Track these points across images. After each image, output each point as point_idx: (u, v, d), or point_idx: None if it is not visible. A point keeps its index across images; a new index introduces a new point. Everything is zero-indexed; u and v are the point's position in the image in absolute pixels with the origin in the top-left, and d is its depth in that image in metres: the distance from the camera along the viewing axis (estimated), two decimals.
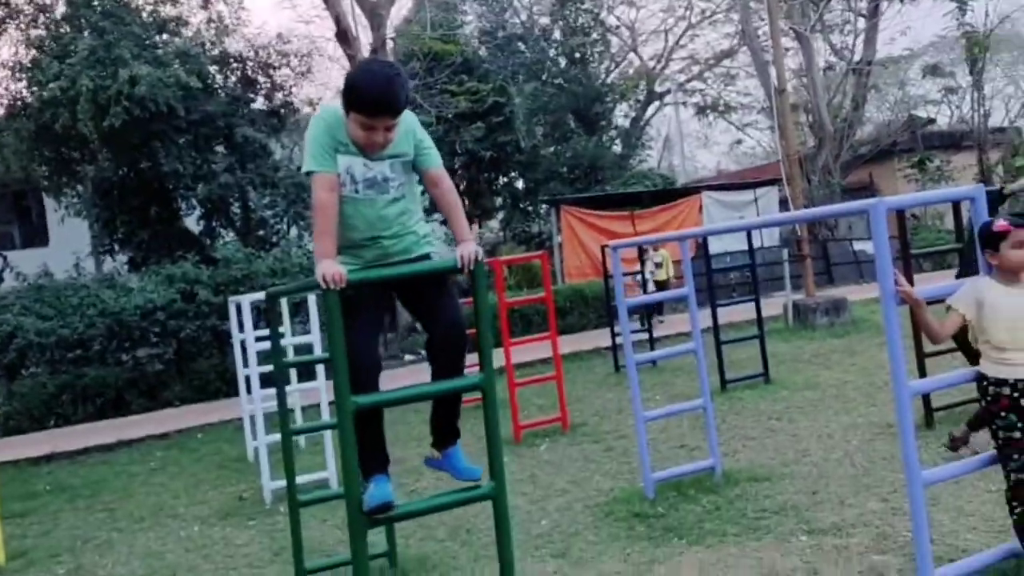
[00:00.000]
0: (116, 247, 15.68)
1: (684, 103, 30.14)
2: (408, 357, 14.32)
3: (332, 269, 2.51)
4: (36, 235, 22.70)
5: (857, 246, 20.32)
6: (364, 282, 2.63)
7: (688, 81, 29.25)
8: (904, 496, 4.22)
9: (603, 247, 10.53)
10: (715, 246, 16.79)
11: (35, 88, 13.66)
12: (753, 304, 8.29)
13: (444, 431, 2.94)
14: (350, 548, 2.60)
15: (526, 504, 4.98)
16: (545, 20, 25.92)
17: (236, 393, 9.11)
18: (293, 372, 7.24)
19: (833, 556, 3.63)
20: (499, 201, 24.03)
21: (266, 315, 4.17)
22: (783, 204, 19.61)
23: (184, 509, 6.19)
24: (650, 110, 29.42)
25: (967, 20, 22.38)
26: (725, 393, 7.54)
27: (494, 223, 24.72)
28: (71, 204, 16.26)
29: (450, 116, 18.68)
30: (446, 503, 2.78)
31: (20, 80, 14.29)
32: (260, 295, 7.20)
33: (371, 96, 2.63)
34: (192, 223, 16.17)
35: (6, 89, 14.60)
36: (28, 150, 14.17)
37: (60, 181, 15.42)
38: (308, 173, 2.74)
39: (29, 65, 13.96)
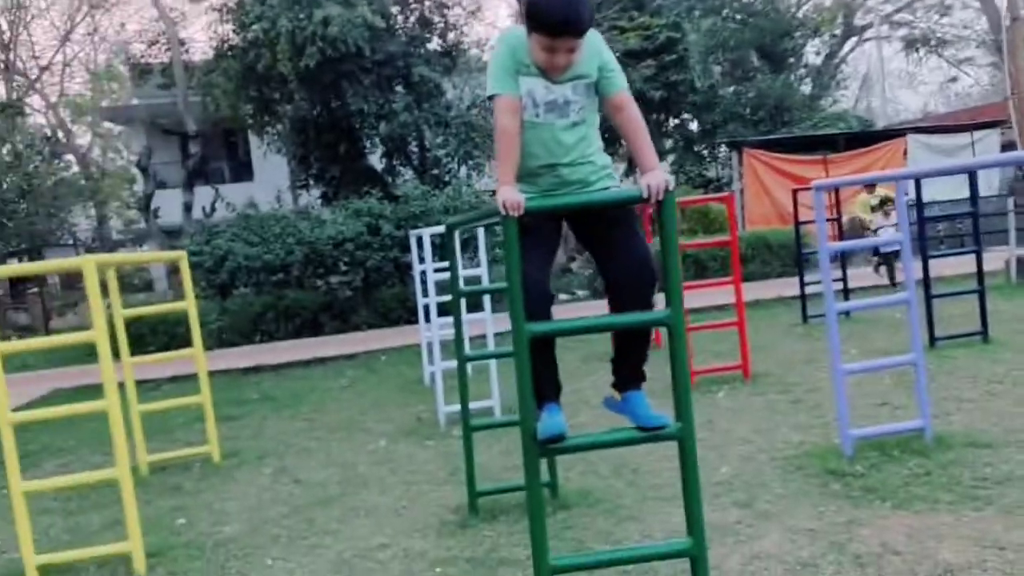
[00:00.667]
0: (311, 182, 16.72)
1: (888, 38, 27.28)
2: (562, 296, 14.31)
3: (512, 196, 2.42)
4: (243, 170, 24.85)
5: None
6: (542, 210, 2.53)
7: (895, 12, 26.32)
8: None
9: (794, 191, 9.81)
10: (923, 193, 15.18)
11: (239, 30, 14.65)
12: (966, 258, 7.42)
13: (628, 373, 2.78)
14: (524, 475, 2.55)
15: (703, 450, 4.63)
16: None
17: (416, 320, 9.49)
18: (463, 302, 7.39)
19: None
20: (669, 144, 23.12)
21: (445, 246, 4.19)
22: (1005, 149, 17.38)
23: (373, 425, 6.53)
24: (847, 46, 26.90)
25: None
26: (934, 350, 6.79)
27: (664, 166, 23.89)
28: (272, 141, 17.52)
29: (619, 54, 17.96)
30: (628, 439, 2.64)
31: (226, 22, 15.36)
32: (439, 228, 7.39)
33: (553, 16, 2.48)
34: (375, 161, 16.92)
35: (215, 32, 15.77)
36: (235, 89, 15.30)
37: (262, 119, 16.60)
38: (490, 97, 2.65)
39: (234, 7, 14.96)
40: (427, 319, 7.53)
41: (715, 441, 4.94)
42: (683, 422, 2.49)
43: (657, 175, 2.46)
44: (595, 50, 2.65)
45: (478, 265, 6.26)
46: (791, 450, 4.59)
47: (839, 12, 25.66)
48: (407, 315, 13.15)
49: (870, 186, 10.89)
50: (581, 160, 2.72)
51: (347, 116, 14.99)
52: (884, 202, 10.54)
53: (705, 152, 22.97)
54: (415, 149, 16.18)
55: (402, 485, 4.77)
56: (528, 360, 2.43)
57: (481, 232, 6.20)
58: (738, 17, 23.31)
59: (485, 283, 5.90)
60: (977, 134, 17.36)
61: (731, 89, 23.43)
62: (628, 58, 18.71)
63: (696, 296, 8.08)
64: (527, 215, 2.43)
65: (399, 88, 15.41)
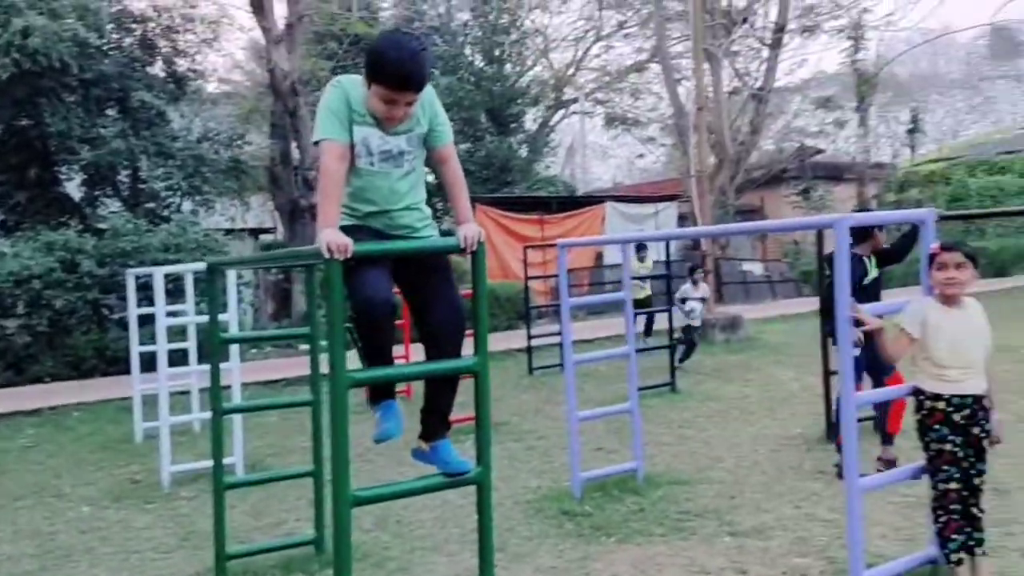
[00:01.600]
0: None
1: (590, 114, 30.83)
2: (303, 347, 13.85)
3: (338, 238, 2.45)
4: None
5: (744, 266, 21.39)
6: (371, 255, 2.59)
7: (595, 91, 29.92)
8: (814, 503, 4.56)
9: (525, 247, 10.54)
10: (612, 257, 17.25)
11: None
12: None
13: (436, 422, 2.87)
14: (333, 530, 2.50)
15: (457, 498, 4.94)
16: (465, 15, 25.82)
17: (115, 372, 8.39)
18: (193, 352, 6.94)
19: (758, 557, 3.83)
20: None
21: (208, 288, 3.96)
22: (682, 220, 20.45)
23: (70, 489, 5.80)
24: (557, 116, 29.91)
25: (860, 57, 24.46)
26: None
27: None
28: None
29: None
30: (432, 486, 2.77)
31: None
32: (173, 268, 6.85)
33: (398, 70, 2.57)
34: (73, 189, 15.06)
35: None
36: None
37: None
38: (317, 142, 2.67)
39: None
40: (148, 369, 6.87)
41: (466, 490, 5.11)
42: (483, 466, 2.65)
43: (472, 227, 2.65)
44: (428, 103, 2.78)
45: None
46: (531, 495, 4.98)
47: (553, 86, 28.50)
48: (104, 365, 11.69)
49: (639, 251, 10.58)
50: (411, 207, 2.84)
51: (42, 137, 13.21)
52: (693, 270, 10.03)
53: (439, 206, 23.81)
54: (126, 179, 14.69)
55: (119, 555, 4.33)
56: (346, 413, 2.43)
57: (248, 275, 5.87)
58: (472, 79, 24.74)
59: (234, 330, 5.59)
60: (660, 205, 20.23)
61: (463, 147, 24.67)
62: None
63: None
64: (354, 259, 2.46)
65: (111, 112, 13.96)
